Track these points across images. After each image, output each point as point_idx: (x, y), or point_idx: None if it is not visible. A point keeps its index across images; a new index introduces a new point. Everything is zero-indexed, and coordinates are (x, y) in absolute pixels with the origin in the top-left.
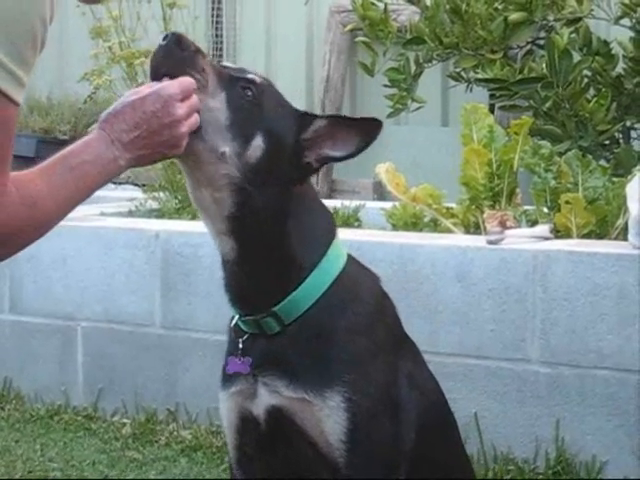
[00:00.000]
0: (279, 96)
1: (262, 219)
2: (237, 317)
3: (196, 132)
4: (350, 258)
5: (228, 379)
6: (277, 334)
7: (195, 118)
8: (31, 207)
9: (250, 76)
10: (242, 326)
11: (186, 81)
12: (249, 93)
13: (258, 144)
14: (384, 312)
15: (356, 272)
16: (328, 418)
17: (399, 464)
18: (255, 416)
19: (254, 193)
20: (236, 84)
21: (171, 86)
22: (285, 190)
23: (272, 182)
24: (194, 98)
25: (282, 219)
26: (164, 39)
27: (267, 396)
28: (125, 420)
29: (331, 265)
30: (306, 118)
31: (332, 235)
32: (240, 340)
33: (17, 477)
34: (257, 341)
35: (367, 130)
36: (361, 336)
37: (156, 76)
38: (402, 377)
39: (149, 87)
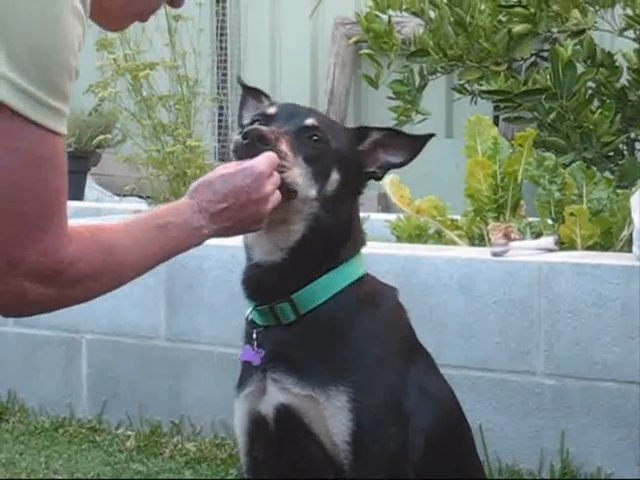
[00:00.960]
0: (333, 123)
1: (330, 234)
2: (252, 308)
3: (291, 197)
4: (370, 275)
5: (241, 383)
6: (291, 324)
7: (277, 195)
8: (108, 255)
9: (309, 122)
10: (257, 318)
11: (272, 157)
12: (315, 139)
13: (335, 178)
14: (398, 321)
15: (375, 280)
16: (333, 417)
17: (405, 471)
18: (264, 416)
19: (328, 216)
20: (304, 137)
21: (262, 164)
22: (351, 203)
23: (343, 200)
24: (276, 175)
25: (348, 228)
26: (245, 137)
27: (276, 393)
28: (129, 432)
29: (354, 267)
30: (361, 132)
31: (361, 245)
32: (255, 331)
33: None
34: (271, 333)
35: (418, 137)
36: (373, 340)
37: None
38: (413, 386)
39: (237, 164)
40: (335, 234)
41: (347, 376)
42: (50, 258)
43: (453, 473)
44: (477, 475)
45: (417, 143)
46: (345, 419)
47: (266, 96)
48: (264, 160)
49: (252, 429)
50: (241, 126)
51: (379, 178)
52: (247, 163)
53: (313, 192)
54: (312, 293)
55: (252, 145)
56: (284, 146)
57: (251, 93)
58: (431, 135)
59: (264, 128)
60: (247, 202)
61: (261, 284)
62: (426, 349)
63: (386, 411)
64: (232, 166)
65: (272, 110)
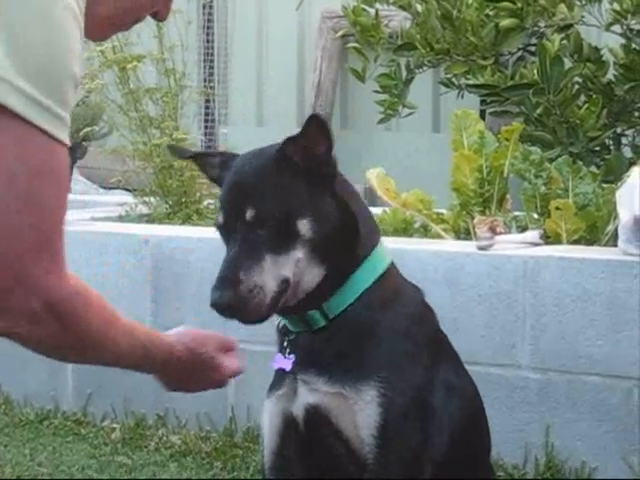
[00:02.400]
0: (259, 177)
1: (339, 242)
2: (282, 317)
3: (286, 289)
4: (394, 266)
5: (272, 386)
6: (321, 329)
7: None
8: (105, 322)
9: (249, 217)
10: (289, 325)
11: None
12: (263, 223)
13: (303, 224)
14: (424, 319)
15: (399, 275)
16: (362, 412)
17: (423, 467)
18: (295, 417)
19: (327, 239)
20: (255, 236)
21: (227, 368)
22: (332, 204)
23: (328, 214)
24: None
25: (352, 223)
26: (215, 309)
27: (305, 394)
28: (114, 425)
29: (378, 262)
30: (281, 155)
31: (377, 235)
32: (286, 339)
33: None
34: (301, 338)
35: (313, 125)
36: (400, 336)
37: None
38: (439, 383)
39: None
40: (352, 232)
41: (376, 372)
42: (53, 281)
43: (472, 470)
44: (489, 471)
45: (312, 126)
46: (373, 413)
47: (207, 154)
48: (232, 366)
49: (284, 429)
50: (216, 182)
51: (333, 171)
52: (222, 359)
53: (298, 254)
54: (341, 297)
55: (226, 315)
56: (244, 284)
57: (196, 158)
58: (313, 116)
59: (220, 295)
60: (200, 379)
61: (296, 303)
62: (451, 343)
63: (412, 407)
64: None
65: (221, 219)
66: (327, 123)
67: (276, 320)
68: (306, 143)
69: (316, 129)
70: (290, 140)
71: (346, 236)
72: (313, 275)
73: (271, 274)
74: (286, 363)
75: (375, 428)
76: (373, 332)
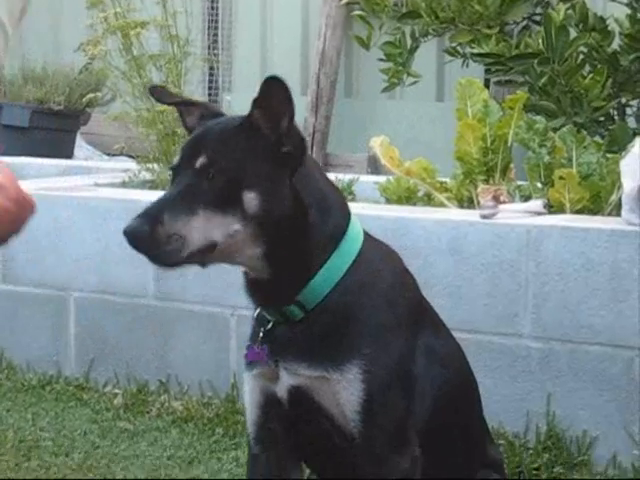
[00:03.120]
0: (222, 136)
1: (286, 231)
2: (260, 309)
3: (213, 247)
4: (367, 236)
5: (251, 361)
6: (299, 321)
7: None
8: None
9: (199, 163)
10: (266, 315)
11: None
12: (211, 175)
13: (250, 197)
14: (403, 288)
15: (374, 251)
16: (345, 390)
17: (412, 435)
18: (279, 397)
19: (271, 224)
20: (199, 184)
21: None
22: (286, 191)
23: (277, 199)
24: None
25: (301, 216)
26: (124, 236)
27: (287, 377)
28: (117, 391)
29: (349, 247)
30: (249, 123)
31: (347, 215)
32: (262, 329)
33: (8, 446)
34: (279, 328)
35: (277, 89)
36: (380, 311)
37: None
38: (421, 350)
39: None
40: (302, 225)
41: (357, 349)
42: None
43: (459, 434)
44: (481, 430)
45: (275, 90)
46: (356, 390)
47: (192, 103)
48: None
49: (266, 405)
50: (189, 132)
51: (298, 150)
52: None
53: (235, 226)
54: (315, 289)
55: (133, 246)
56: (166, 226)
57: (178, 106)
58: (272, 77)
59: (134, 224)
60: None
61: (264, 294)
62: (434, 309)
63: (395, 378)
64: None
65: (176, 160)
66: (287, 87)
67: (254, 309)
68: (268, 108)
69: (274, 92)
70: (255, 104)
71: (299, 225)
72: (250, 253)
73: (199, 231)
74: (259, 355)
75: (359, 404)
76: (352, 315)
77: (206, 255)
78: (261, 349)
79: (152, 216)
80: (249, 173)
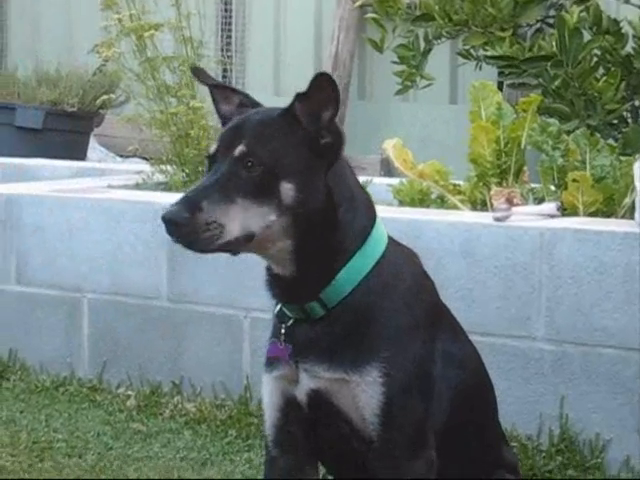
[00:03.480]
0: (262, 126)
1: (317, 226)
2: (281, 305)
3: (251, 238)
4: (390, 238)
5: (271, 362)
6: (320, 318)
7: None
8: None
9: (238, 152)
10: (287, 311)
11: None
12: (249, 165)
13: (287, 188)
14: (423, 291)
15: (396, 253)
16: (364, 393)
17: (429, 438)
18: (299, 401)
19: (305, 216)
20: (237, 173)
21: None
22: (323, 185)
23: (313, 191)
24: None
25: (332, 213)
26: (163, 222)
27: (307, 380)
28: (130, 392)
29: (373, 248)
30: (289, 114)
31: (373, 216)
32: (283, 325)
33: (21, 447)
34: (300, 327)
35: (325, 82)
36: (400, 315)
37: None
38: (439, 353)
39: None
40: (332, 222)
41: (377, 352)
42: None
43: (474, 436)
44: (496, 433)
45: (322, 85)
46: (376, 393)
47: (231, 89)
48: None
49: (286, 408)
50: (222, 119)
51: (336, 143)
52: None
53: (271, 217)
54: (338, 287)
55: (171, 232)
56: (205, 214)
57: (216, 89)
58: (323, 73)
59: (175, 211)
60: None
61: (286, 290)
62: (450, 312)
63: (414, 381)
64: None
65: (213, 148)
66: (335, 83)
67: (274, 306)
68: (313, 101)
69: (323, 87)
70: (298, 96)
71: (329, 221)
72: (281, 245)
73: (238, 221)
74: (282, 352)
75: (378, 407)
76: (373, 316)
77: (242, 245)
78: (285, 347)
79: (191, 203)
80: (287, 164)
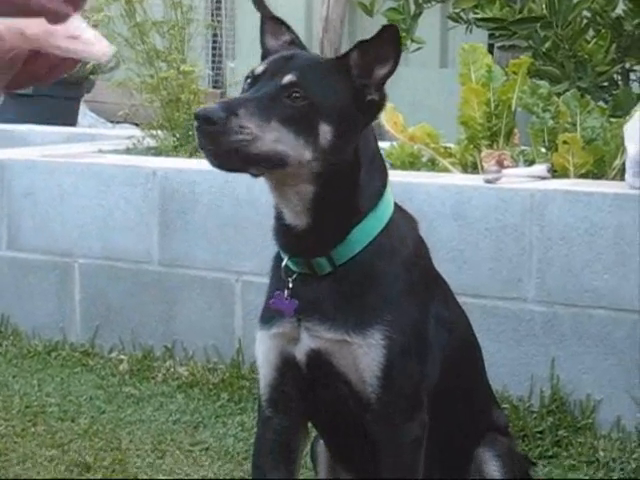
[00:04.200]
0: (321, 70)
1: (340, 180)
2: (287, 257)
3: (281, 166)
4: (395, 203)
5: (269, 319)
6: (326, 275)
7: None
8: None
9: (286, 80)
10: (292, 265)
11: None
12: (296, 96)
13: (325, 130)
14: (422, 256)
15: (401, 218)
16: (366, 355)
17: (423, 399)
18: (297, 360)
19: (333, 166)
20: (282, 98)
21: None
22: (356, 139)
23: (347, 142)
24: None
25: (355, 171)
26: (195, 119)
27: (308, 340)
28: (122, 357)
29: (384, 211)
30: (342, 62)
31: (386, 179)
32: (290, 280)
33: (14, 412)
34: (304, 283)
35: (390, 36)
36: (401, 278)
37: (221, 166)
38: (432, 318)
39: None
40: (353, 180)
41: (380, 315)
42: None
43: (464, 398)
44: (485, 395)
45: (389, 38)
46: (377, 355)
47: (286, 26)
48: None
49: (283, 367)
50: (265, 52)
51: (380, 102)
52: None
53: (306, 153)
54: (349, 246)
55: (202, 129)
56: (239, 119)
57: (270, 21)
58: (395, 28)
59: (212, 108)
60: None
61: (296, 243)
62: (441, 276)
63: (412, 344)
64: None
65: (260, 69)
66: (400, 41)
67: (274, 260)
68: (371, 54)
69: (386, 42)
70: (358, 46)
71: (350, 178)
72: (304, 190)
73: (272, 137)
74: (287, 306)
75: (379, 369)
76: (376, 279)
77: (268, 166)
78: (291, 302)
79: (229, 106)
80: (331, 107)
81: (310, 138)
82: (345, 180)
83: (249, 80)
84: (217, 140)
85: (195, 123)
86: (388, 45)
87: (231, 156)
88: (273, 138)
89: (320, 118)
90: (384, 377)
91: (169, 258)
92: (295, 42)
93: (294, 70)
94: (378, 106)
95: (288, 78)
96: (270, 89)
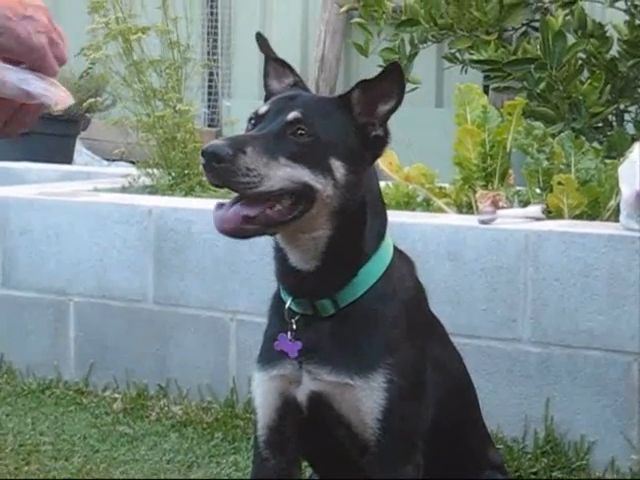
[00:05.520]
0: (324, 108)
1: (350, 221)
2: (291, 299)
3: (310, 201)
4: (393, 245)
5: (269, 360)
6: (329, 317)
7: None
8: None
9: (291, 117)
10: (294, 307)
11: None
12: (301, 133)
13: (337, 165)
14: (420, 299)
15: (401, 260)
16: (368, 399)
17: (418, 442)
18: (299, 402)
19: (349, 204)
20: (285, 136)
21: None
22: (363, 180)
23: (359, 179)
24: None
25: (363, 212)
26: (202, 156)
27: (309, 382)
28: (116, 395)
29: (386, 252)
30: (344, 101)
31: (386, 220)
32: (293, 321)
33: (8, 450)
34: (306, 324)
35: (394, 74)
36: (402, 322)
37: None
38: (428, 360)
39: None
40: (362, 221)
41: (382, 358)
42: None
43: (459, 439)
44: (481, 435)
45: (397, 79)
46: (379, 398)
47: (290, 68)
48: None
49: (283, 409)
50: (268, 94)
51: (384, 138)
52: None
53: (329, 188)
54: (354, 289)
55: (210, 166)
56: (247, 157)
57: (274, 63)
58: (397, 64)
59: (219, 143)
60: None
61: (301, 285)
62: (436, 317)
63: (412, 388)
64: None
65: (263, 109)
66: (404, 78)
67: (273, 300)
68: (374, 91)
69: (390, 78)
70: (360, 85)
71: (358, 219)
72: (320, 235)
73: (283, 174)
74: (291, 348)
75: (380, 412)
76: (377, 322)
77: (296, 210)
78: (295, 343)
79: (237, 143)
80: (338, 143)
81: (326, 172)
82: (355, 221)
83: (252, 121)
84: (224, 177)
85: (202, 160)
86: (392, 81)
87: (242, 191)
88: (284, 175)
89: (329, 154)
90: (384, 420)
91: (164, 297)
92: (298, 84)
93: (298, 108)
94: (382, 142)
95: (292, 115)
96: (275, 127)
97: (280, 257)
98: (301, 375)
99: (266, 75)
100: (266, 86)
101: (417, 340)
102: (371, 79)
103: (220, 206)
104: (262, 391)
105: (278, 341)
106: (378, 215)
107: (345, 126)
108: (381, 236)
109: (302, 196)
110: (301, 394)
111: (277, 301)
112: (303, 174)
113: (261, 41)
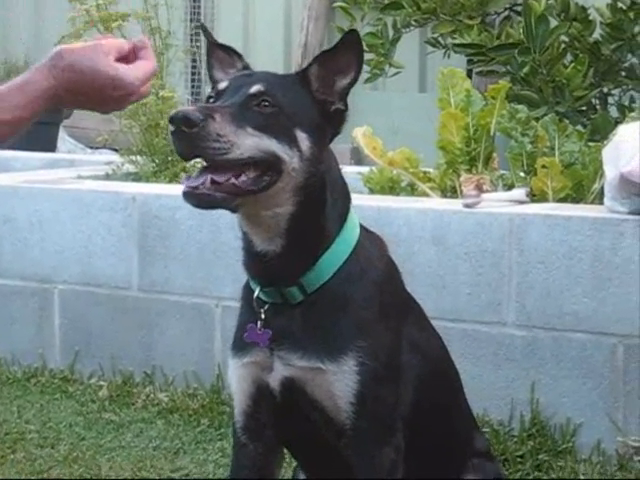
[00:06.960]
0: (285, 82)
1: (311, 199)
2: (259, 289)
3: (278, 171)
4: (360, 224)
5: (241, 348)
6: (298, 304)
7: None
8: None
9: (254, 89)
10: (263, 296)
11: (149, 71)
12: (265, 104)
13: (303, 137)
14: (392, 278)
15: (368, 240)
16: (339, 382)
17: (398, 425)
18: (271, 389)
19: (311, 179)
20: (252, 106)
21: (136, 79)
22: (324, 156)
23: (321, 152)
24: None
25: (323, 192)
26: (171, 122)
27: (281, 368)
28: (102, 383)
29: (350, 233)
30: (304, 75)
31: (349, 201)
32: (262, 310)
33: None
34: (276, 312)
35: (351, 43)
36: (373, 304)
37: (186, 159)
38: (405, 341)
39: (116, 68)
40: (321, 201)
41: (353, 341)
42: None
43: (442, 423)
44: (465, 420)
45: (355, 50)
46: (351, 382)
47: (237, 54)
48: (140, 75)
49: (257, 395)
50: (214, 83)
51: (344, 111)
52: (122, 72)
53: (295, 160)
54: (319, 272)
55: (179, 131)
56: (217, 124)
57: (220, 50)
58: (355, 33)
59: (188, 109)
60: (108, 99)
61: (267, 271)
62: (414, 299)
63: (385, 370)
64: (111, 67)
65: (223, 85)
66: (362, 47)
67: (244, 290)
68: (332, 64)
69: (348, 49)
70: (318, 59)
71: (320, 198)
72: (282, 212)
73: (252, 142)
74: (261, 338)
75: (353, 396)
76: (347, 305)
77: (260, 175)
78: (264, 332)
79: (207, 110)
80: (300, 115)
81: (292, 144)
82: (316, 199)
83: (211, 99)
84: (195, 143)
85: (171, 127)
86: (349, 53)
87: (212, 158)
88: (252, 143)
89: (293, 125)
90: (358, 403)
91: (149, 284)
92: (248, 69)
93: (260, 81)
94: (342, 116)
95: (256, 88)
96: (239, 99)
97: (245, 243)
98: (273, 361)
99: (210, 67)
100: (211, 78)
101: (391, 321)
102: (328, 50)
103: (188, 177)
104: (236, 378)
105: (247, 332)
106: (340, 196)
107: (306, 100)
108: (343, 217)
109: (270, 167)
110: (273, 380)
111: (247, 291)
112: (270, 144)
113: (205, 30)
